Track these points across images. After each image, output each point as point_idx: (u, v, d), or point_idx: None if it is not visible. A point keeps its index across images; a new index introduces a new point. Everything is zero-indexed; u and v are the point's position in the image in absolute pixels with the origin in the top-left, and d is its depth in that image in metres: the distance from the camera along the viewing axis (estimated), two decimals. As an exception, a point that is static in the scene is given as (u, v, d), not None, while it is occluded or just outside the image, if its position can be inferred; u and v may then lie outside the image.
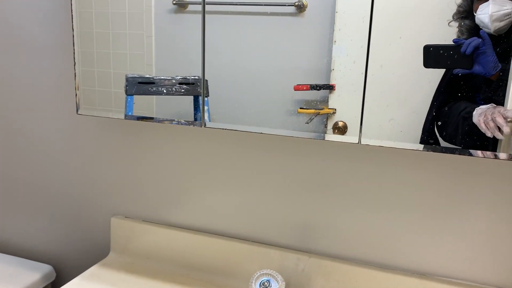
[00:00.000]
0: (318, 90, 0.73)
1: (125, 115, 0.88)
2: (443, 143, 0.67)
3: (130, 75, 0.87)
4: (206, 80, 0.81)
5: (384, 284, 0.79)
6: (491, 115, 0.62)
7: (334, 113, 0.72)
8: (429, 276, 0.78)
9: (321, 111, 0.73)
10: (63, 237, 1.06)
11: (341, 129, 0.72)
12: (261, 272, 0.77)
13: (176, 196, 0.94)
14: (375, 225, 0.80)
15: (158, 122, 0.86)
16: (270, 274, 0.77)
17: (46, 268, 1.03)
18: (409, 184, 0.77)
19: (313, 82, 0.73)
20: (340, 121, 0.72)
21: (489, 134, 0.62)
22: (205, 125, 0.81)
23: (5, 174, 1.08)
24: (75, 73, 0.89)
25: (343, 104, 0.72)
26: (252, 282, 0.76)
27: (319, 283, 0.83)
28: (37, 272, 1.01)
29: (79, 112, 0.89)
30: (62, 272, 1.08)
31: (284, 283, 0.81)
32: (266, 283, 0.75)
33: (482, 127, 0.63)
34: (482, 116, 0.62)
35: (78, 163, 1.00)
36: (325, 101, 0.73)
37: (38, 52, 0.98)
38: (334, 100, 0.72)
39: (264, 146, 0.85)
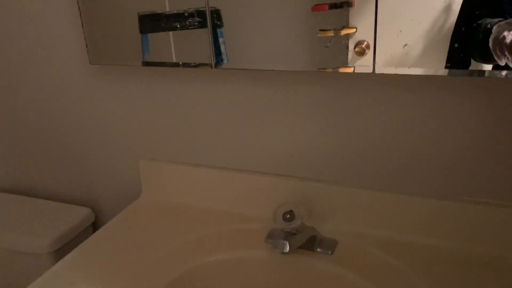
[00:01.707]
0: (338, 8, 0.70)
1: (143, 62, 0.87)
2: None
3: (142, 13, 0.85)
4: (219, 10, 0.78)
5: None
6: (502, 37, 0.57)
7: (355, 32, 0.70)
8: None
9: (342, 31, 0.71)
10: (98, 182, 1.12)
11: (363, 50, 0.70)
12: (284, 203, 0.80)
13: (199, 137, 0.96)
14: (394, 155, 0.81)
15: (170, 67, 0.85)
16: (293, 205, 0.80)
17: (86, 210, 1.11)
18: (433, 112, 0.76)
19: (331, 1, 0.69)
20: (362, 40, 0.69)
21: (501, 63, 0.58)
22: (215, 66, 0.81)
23: (40, 129, 1.13)
24: (82, 22, 0.88)
25: (363, 22, 0.68)
26: (274, 214, 0.79)
27: (343, 211, 0.87)
28: (78, 214, 1.09)
29: (91, 63, 0.89)
30: (101, 214, 1.16)
31: (306, 212, 0.85)
32: (289, 213, 0.78)
33: (493, 53, 0.58)
34: (497, 36, 0.58)
35: (103, 112, 1.03)
36: (345, 20, 0.70)
37: (43, 5, 0.97)
38: (354, 19, 0.69)
39: (281, 81, 0.84)
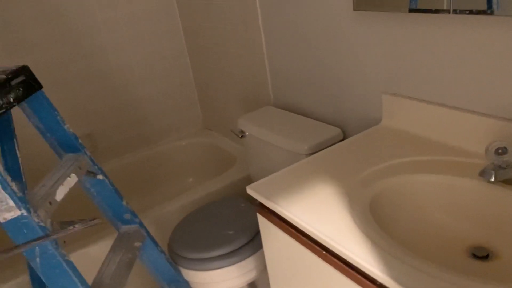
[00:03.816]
0: None
1: (409, 9, 1.02)
2: None
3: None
4: None
5: None
6: None
7: None
8: None
9: None
10: (349, 108, 1.39)
11: None
12: (500, 140, 0.87)
13: (439, 78, 1.09)
14: None
15: (437, 13, 0.98)
16: (509, 144, 0.86)
17: (337, 130, 1.40)
18: None
19: None
20: None
21: None
22: (492, 13, 0.87)
23: (311, 62, 1.47)
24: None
25: None
26: (487, 147, 0.88)
27: None
28: (331, 132, 1.40)
29: (354, 9, 1.13)
30: (347, 134, 1.44)
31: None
32: (502, 149, 0.85)
33: None
34: None
35: (359, 50, 1.27)
36: None
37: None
38: None
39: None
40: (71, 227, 0.87)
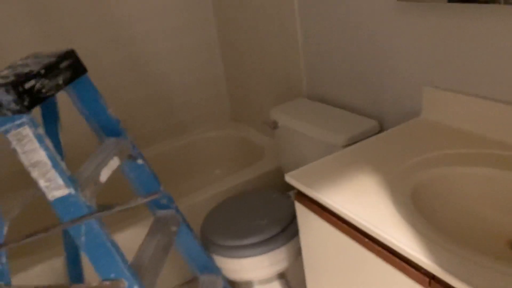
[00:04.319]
0: None
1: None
2: None
3: None
4: None
5: None
6: None
7: None
8: None
9: None
10: (386, 100, 1.39)
11: None
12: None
13: (481, 70, 1.08)
14: None
15: (479, 3, 0.97)
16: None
17: (374, 122, 1.40)
18: None
19: None
20: None
21: None
22: None
23: (347, 53, 1.47)
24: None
25: None
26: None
27: None
28: (368, 124, 1.40)
29: (398, 0, 1.12)
30: (384, 127, 1.43)
31: None
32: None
33: None
34: None
35: (399, 41, 1.26)
36: None
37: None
38: None
39: None
40: (133, 200, 0.89)
